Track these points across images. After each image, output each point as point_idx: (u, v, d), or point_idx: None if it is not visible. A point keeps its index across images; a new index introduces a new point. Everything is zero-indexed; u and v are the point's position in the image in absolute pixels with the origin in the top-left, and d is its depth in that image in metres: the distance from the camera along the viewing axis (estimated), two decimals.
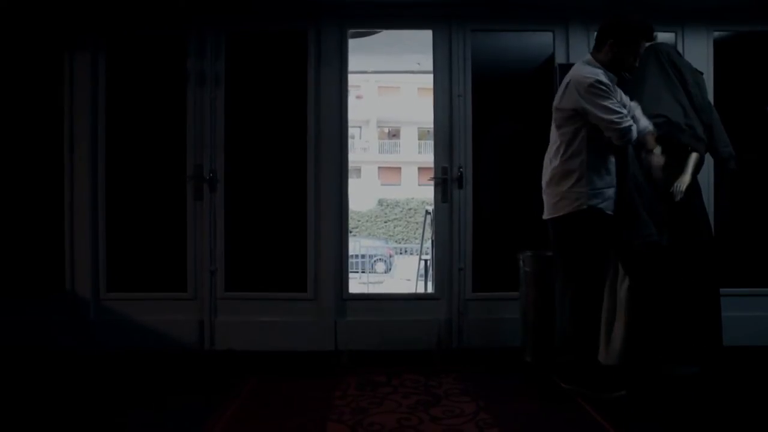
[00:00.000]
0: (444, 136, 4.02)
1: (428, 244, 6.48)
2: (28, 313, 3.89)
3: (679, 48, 3.90)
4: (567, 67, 3.79)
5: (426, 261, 6.50)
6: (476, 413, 2.74)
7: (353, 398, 2.96)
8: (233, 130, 4.02)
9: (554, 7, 3.98)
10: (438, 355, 3.80)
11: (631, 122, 2.80)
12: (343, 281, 4.03)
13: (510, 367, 3.48)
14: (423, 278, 6.66)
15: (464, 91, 4.00)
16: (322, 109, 3.99)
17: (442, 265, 4.03)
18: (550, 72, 3.96)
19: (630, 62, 2.89)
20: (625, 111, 2.82)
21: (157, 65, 4.04)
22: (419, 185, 22.06)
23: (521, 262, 3.61)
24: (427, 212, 6.16)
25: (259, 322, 3.94)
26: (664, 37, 3.87)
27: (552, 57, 4.01)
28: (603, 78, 2.81)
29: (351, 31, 4.07)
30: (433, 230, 4.39)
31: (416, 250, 18.97)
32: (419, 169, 22.41)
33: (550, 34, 4.03)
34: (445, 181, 4.00)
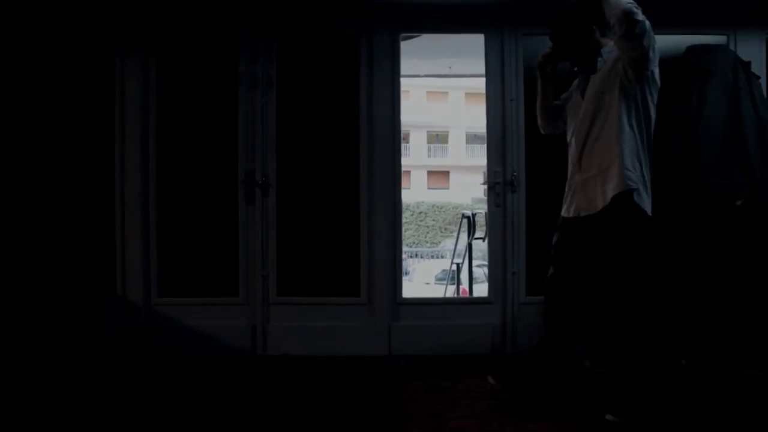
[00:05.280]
0: (496, 141, 4.01)
1: (461, 247, 6.45)
2: (80, 318, 3.86)
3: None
4: None
5: (458, 265, 6.45)
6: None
7: (424, 404, 2.94)
8: (285, 133, 4.01)
9: None
10: (494, 360, 3.78)
11: None
12: (397, 285, 4.00)
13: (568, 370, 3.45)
14: (454, 283, 6.61)
15: (517, 95, 3.99)
16: (375, 112, 3.98)
17: (496, 268, 4.01)
18: None
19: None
20: None
21: (209, 69, 4.03)
22: (428, 189, 22.08)
23: None
24: (463, 216, 6.11)
25: (311, 326, 3.92)
26: (713, 39, 3.87)
27: None
28: None
29: (403, 35, 4.07)
30: (486, 233, 4.36)
31: (429, 254, 19.01)
32: (428, 172, 22.44)
33: None
34: (498, 185, 3.99)
